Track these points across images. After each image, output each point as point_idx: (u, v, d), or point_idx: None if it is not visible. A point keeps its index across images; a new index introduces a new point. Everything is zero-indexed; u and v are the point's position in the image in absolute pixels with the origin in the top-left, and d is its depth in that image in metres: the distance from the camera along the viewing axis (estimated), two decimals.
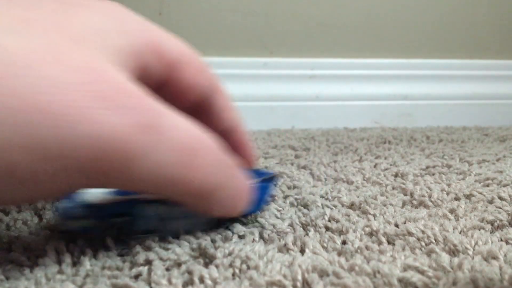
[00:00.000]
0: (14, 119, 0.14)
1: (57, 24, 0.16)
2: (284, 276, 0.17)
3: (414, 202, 0.28)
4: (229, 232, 0.21)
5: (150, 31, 0.20)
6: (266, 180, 0.26)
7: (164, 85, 0.21)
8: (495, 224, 0.23)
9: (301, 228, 0.23)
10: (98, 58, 0.16)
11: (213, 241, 0.20)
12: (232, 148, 0.25)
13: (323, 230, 0.22)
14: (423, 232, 0.21)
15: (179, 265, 0.18)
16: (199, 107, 0.23)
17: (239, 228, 0.22)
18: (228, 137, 0.25)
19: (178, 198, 0.19)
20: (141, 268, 0.18)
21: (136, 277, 0.18)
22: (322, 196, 0.28)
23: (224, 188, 0.19)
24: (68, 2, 0.18)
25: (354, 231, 0.22)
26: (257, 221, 0.23)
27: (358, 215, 0.25)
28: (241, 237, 0.21)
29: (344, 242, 0.21)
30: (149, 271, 0.18)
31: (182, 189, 0.18)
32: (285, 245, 0.20)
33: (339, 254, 0.19)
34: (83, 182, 0.16)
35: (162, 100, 0.20)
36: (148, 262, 0.18)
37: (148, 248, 0.19)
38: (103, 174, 0.16)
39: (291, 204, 0.27)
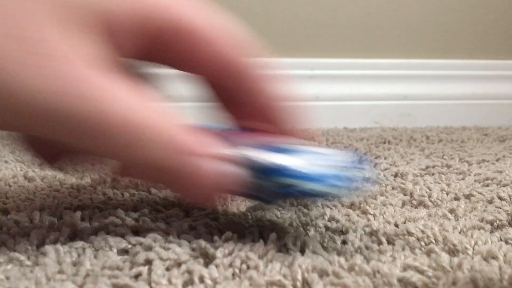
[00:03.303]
0: None
1: None
2: (284, 276, 0.17)
3: (414, 202, 0.28)
4: (229, 232, 0.21)
5: None
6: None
7: (183, 52, 0.21)
8: (495, 224, 0.23)
9: (301, 228, 0.23)
10: (45, 17, 0.17)
11: (213, 241, 0.20)
12: (275, 121, 0.23)
13: (323, 230, 0.22)
14: (423, 232, 0.21)
15: (179, 265, 0.18)
16: (231, 78, 0.22)
17: (238, 227, 0.22)
18: (269, 110, 0.23)
19: (136, 168, 0.20)
20: (141, 267, 0.18)
21: (136, 276, 0.18)
22: None
23: (172, 170, 0.19)
24: None
25: (354, 231, 0.22)
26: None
27: (358, 215, 0.25)
28: (241, 237, 0.21)
29: (344, 242, 0.21)
30: (149, 271, 0.18)
31: (121, 157, 0.19)
32: (285, 245, 0.20)
33: (339, 254, 0.19)
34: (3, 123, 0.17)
35: (184, 66, 0.22)
36: (148, 262, 0.18)
37: (148, 248, 0.20)
38: (25, 124, 0.17)
39: (291, 204, 0.27)
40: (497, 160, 0.41)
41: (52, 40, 0.17)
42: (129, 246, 0.20)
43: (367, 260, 0.19)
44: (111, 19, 0.19)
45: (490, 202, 0.27)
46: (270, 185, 0.19)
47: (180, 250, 0.19)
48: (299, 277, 0.17)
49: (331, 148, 0.22)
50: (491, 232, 0.22)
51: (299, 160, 0.19)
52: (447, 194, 0.29)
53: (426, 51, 0.82)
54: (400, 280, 0.17)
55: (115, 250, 0.20)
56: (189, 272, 0.18)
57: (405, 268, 0.18)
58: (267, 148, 0.20)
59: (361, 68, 0.78)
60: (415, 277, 0.17)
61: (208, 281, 0.17)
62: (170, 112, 0.19)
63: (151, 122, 0.18)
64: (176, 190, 0.20)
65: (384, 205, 0.27)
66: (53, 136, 0.18)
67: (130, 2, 0.20)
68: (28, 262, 0.19)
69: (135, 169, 0.21)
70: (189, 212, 0.25)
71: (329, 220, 0.24)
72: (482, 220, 0.24)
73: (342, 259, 0.18)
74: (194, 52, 0.21)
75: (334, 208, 0.26)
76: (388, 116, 0.77)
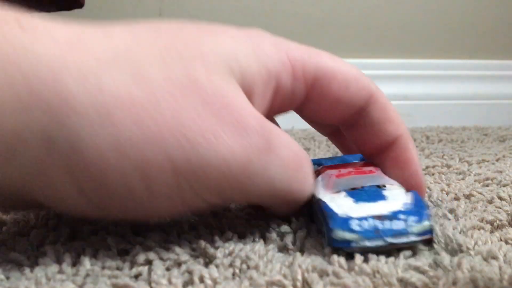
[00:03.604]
0: (154, 141, 0.17)
1: (193, 51, 0.18)
2: (284, 276, 0.17)
3: None
4: (229, 232, 0.21)
5: (286, 51, 0.21)
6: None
7: (308, 101, 0.22)
8: (495, 224, 0.23)
9: (302, 228, 0.23)
10: (226, 84, 0.18)
11: (213, 241, 0.20)
12: (393, 165, 0.23)
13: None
14: None
15: (179, 264, 0.18)
16: (353, 121, 0.23)
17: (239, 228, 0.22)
18: (388, 153, 0.23)
19: (276, 206, 0.21)
20: (141, 267, 0.18)
21: (136, 276, 0.18)
22: None
23: (302, 193, 0.21)
24: (207, 29, 0.20)
25: None
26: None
27: None
28: (241, 237, 0.21)
29: None
30: (149, 271, 0.18)
31: (285, 199, 0.20)
32: (285, 245, 0.20)
33: (339, 254, 0.19)
34: (194, 198, 0.18)
35: (308, 115, 0.24)
36: (148, 262, 0.18)
37: (148, 248, 0.20)
38: (217, 193, 0.18)
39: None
40: (497, 160, 0.41)
41: (235, 100, 0.18)
42: (129, 246, 0.20)
43: (367, 260, 0.19)
44: (247, 80, 0.20)
45: (490, 202, 0.27)
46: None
47: (180, 250, 0.19)
48: (299, 277, 0.17)
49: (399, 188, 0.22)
50: (491, 232, 0.22)
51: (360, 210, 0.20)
52: (447, 194, 0.29)
53: (426, 51, 0.82)
54: (400, 280, 0.17)
55: (115, 250, 0.20)
56: (189, 272, 0.18)
57: (406, 268, 0.18)
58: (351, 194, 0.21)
59: (361, 68, 0.77)
60: (415, 277, 0.17)
61: (208, 281, 0.17)
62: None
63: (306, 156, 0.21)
64: (285, 208, 0.22)
65: None
66: (232, 197, 0.19)
67: (262, 62, 0.20)
68: (28, 262, 0.19)
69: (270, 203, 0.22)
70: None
71: None
72: (482, 220, 0.24)
73: (342, 259, 0.18)
74: (330, 94, 0.22)
75: None
76: None
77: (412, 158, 0.23)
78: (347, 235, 0.18)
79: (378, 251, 0.19)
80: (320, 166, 0.25)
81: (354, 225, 0.18)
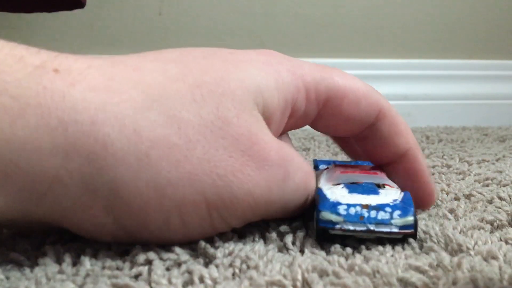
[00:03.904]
0: (190, 181, 0.18)
1: (222, 87, 0.19)
2: (284, 276, 0.17)
3: None
4: (229, 232, 0.21)
5: (300, 76, 0.22)
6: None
7: (320, 118, 0.23)
8: (495, 224, 0.23)
9: (301, 228, 0.23)
10: (252, 120, 0.19)
11: (213, 241, 0.20)
12: (404, 175, 0.24)
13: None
14: (424, 232, 0.21)
15: (179, 265, 0.19)
16: (364, 134, 0.24)
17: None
18: (398, 164, 0.24)
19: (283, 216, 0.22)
20: (141, 267, 0.18)
21: (136, 276, 0.18)
22: None
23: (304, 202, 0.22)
24: (231, 60, 0.20)
25: None
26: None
27: None
28: (241, 237, 0.21)
29: (344, 243, 0.21)
30: (149, 271, 0.18)
31: (294, 212, 0.22)
32: (285, 245, 0.20)
33: (339, 254, 0.19)
34: (222, 225, 0.20)
35: (319, 129, 0.24)
36: (148, 262, 0.18)
37: (148, 248, 0.20)
38: (242, 219, 0.20)
39: None
40: (497, 160, 0.41)
41: (260, 136, 0.19)
42: (129, 246, 0.20)
43: (367, 260, 0.19)
44: (267, 109, 0.20)
45: (490, 202, 0.27)
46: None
47: (180, 250, 0.19)
48: (299, 277, 0.17)
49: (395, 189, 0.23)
50: (491, 232, 0.22)
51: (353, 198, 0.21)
52: (447, 194, 0.29)
53: (426, 51, 0.82)
54: (400, 280, 0.17)
55: (115, 250, 0.20)
56: (189, 272, 0.18)
57: (406, 268, 0.18)
58: (349, 187, 0.22)
59: (361, 68, 0.78)
60: (415, 277, 0.17)
61: (208, 281, 0.17)
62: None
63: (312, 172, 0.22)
64: (286, 215, 0.22)
65: None
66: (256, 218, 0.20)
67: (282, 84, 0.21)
68: (28, 262, 0.19)
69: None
70: None
71: None
72: (482, 220, 0.24)
73: (342, 259, 0.18)
74: (342, 111, 0.23)
75: None
76: None
77: (422, 170, 0.24)
78: (333, 217, 0.20)
79: (360, 238, 0.20)
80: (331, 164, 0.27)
81: (341, 209, 0.20)
